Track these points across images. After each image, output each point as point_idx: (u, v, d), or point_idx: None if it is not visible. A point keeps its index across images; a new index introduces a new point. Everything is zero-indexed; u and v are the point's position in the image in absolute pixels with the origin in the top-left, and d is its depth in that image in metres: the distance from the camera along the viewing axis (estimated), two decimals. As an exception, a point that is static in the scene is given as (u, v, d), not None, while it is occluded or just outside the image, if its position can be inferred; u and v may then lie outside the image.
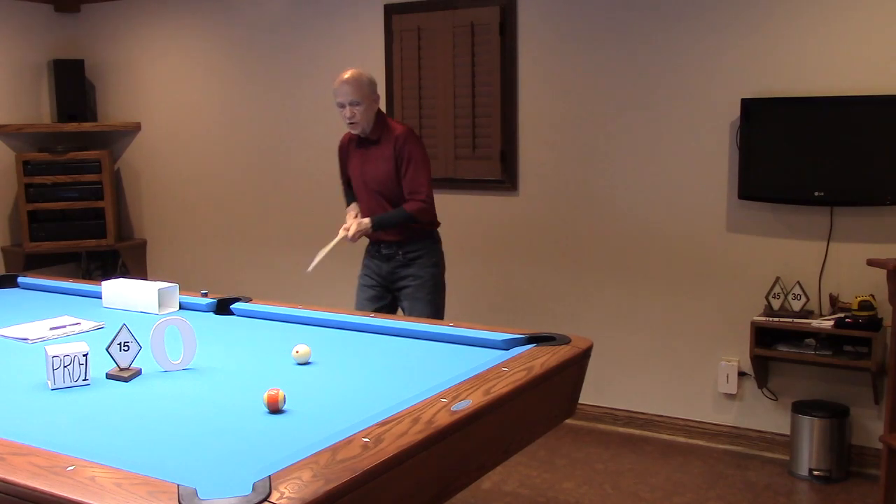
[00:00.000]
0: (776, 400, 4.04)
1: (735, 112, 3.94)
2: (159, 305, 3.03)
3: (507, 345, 2.50)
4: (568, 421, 2.66)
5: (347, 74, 3.64)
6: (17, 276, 3.62)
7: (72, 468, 1.57)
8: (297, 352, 2.40)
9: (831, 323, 3.67)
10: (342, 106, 3.63)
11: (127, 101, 5.84)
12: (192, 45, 5.57)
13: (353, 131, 3.71)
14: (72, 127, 5.68)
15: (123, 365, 2.27)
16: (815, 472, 3.78)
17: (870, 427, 3.84)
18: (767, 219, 3.98)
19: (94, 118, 5.91)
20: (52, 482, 1.52)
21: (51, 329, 2.74)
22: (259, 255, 5.44)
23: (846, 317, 3.66)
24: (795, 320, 3.76)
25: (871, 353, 3.60)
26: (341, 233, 3.62)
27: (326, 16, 5.02)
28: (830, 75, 3.77)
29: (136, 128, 5.82)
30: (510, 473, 3.82)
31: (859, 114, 3.66)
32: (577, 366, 2.41)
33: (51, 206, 5.55)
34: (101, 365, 2.27)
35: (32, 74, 5.77)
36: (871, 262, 3.43)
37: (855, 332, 3.60)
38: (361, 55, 4.82)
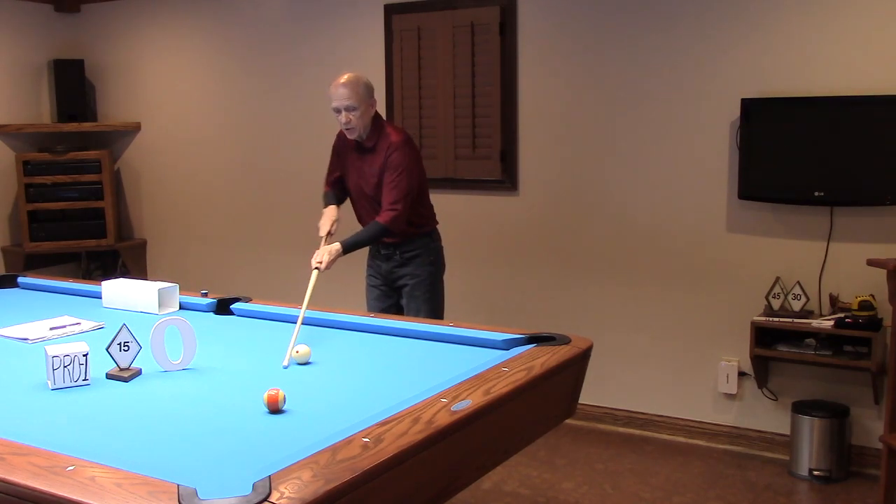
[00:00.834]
0: (776, 400, 4.04)
1: (735, 112, 3.94)
2: (159, 305, 3.03)
3: (507, 345, 2.50)
4: (568, 421, 2.66)
5: (343, 78, 3.54)
6: (17, 276, 3.63)
7: (72, 468, 1.57)
8: (297, 352, 2.40)
9: (831, 323, 3.67)
10: (338, 111, 3.53)
11: (127, 101, 5.84)
12: (192, 45, 5.57)
13: (349, 137, 3.61)
14: (72, 127, 5.68)
15: (123, 365, 2.27)
16: (815, 472, 3.78)
17: (870, 427, 3.83)
18: (767, 219, 3.98)
19: (94, 118, 5.91)
20: (52, 482, 1.52)
21: (51, 329, 2.74)
22: (259, 255, 5.44)
23: (846, 317, 3.66)
24: (795, 320, 3.76)
25: (871, 353, 3.60)
26: (314, 272, 3.27)
27: (326, 16, 5.02)
28: (830, 75, 3.77)
29: (136, 128, 5.82)
30: (510, 473, 3.82)
31: (859, 114, 3.66)
32: (577, 366, 2.41)
33: (51, 206, 5.55)
34: (101, 365, 2.27)
35: (32, 74, 5.77)
36: (871, 262, 3.43)
37: (855, 332, 3.60)
38: (361, 55, 4.82)
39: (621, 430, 4.41)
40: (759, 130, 3.86)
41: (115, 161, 5.89)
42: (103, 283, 3.20)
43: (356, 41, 4.91)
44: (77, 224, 5.62)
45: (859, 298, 3.64)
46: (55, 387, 2.16)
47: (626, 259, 4.33)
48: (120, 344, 2.27)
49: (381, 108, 4.76)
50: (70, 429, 1.89)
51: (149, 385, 2.22)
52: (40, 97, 5.83)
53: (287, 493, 1.45)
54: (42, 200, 5.53)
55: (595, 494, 3.67)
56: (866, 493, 3.65)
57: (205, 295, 3.12)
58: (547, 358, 2.30)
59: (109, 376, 2.26)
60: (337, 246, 3.43)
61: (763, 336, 3.84)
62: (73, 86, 5.70)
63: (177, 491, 1.46)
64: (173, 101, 5.68)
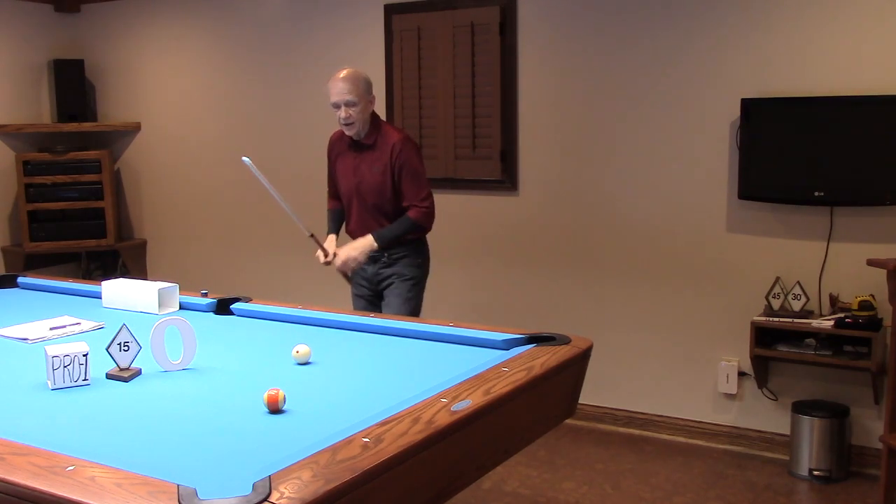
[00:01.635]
0: (776, 400, 4.04)
1: (735, 112, 3.94)
2: (159, 305, 3.03)
3: (507, 345, 2.50)
4: (568, 421, 2.66)
5: (343, 73, 3.52)
6: (17, 276, 3.62)
7: (72, 468, 1.57)
8: (297, 352, 2.40)
9: (831, 323, 3.67)
10: (337, 106, 3.50)
11: (127, 101, 5.84)
12: (192, 45, 5.57)
13: (348, 133, 3.59)
14: (72, 127, 5.68)
15: (123, 365, 2.27)
16: (815, 472, 3.78)
17: (870, 427, 3.83)
18: (767, 219, 3.98)
19: (94, 118, 5.91)
20: (52, 482, 1.52)
21: (51, 329, 2.74)
22: (259, 255, 5.44)
23: (846, 317, 3.66)
24: (795, 320, 3.76)
25: (871, 353, 3.60)
26: (337, 260, 3.48)
27: (326, 16, 5.02)
28: (830, 75, 3.77)
29: (136, 128, 5.82)
30: (510, 473, 3.82)
31: (859, 114, 3.66)
32: (577, 366, 2.41)
33: (51, 206, 5.55)
34: (101, 365, 2.27)
35: (32, 74, 5.77)
36: (871, 262, 3.43)
37: (855, 332, 3.60)
38: (361, 55, 4.82)
39: (621, 430, 4.41)
40: (759, 130, 3.86)
41: (115, 161, 5.90)
42: (103, 283, 3.20)
43: (356, 41, 4.91)
44: (77, 224, 5.62)
45: (859, 298, 3.64)
46: (55, 387, 2.16)
47: (626, 259, 4.33)
48: (120, 344, 2.26)
49: (381, 108, 4.78)
50: (70, 429, 1.89)
51: (149, 385, 2.22)
52: (40, 97, 5.83)
53: (287, 493, 1.45)
54: (42, 200, 5.53)
55: (595, 494, 3.66)
56: (866, 493, 3.65)
57: (205, 295, 3.12)
58: (547, 358, 2.30)
59: (109, 376, 2.25)
60: (369, 240, 3.43)
61: (763, 336, 3.84)
62: (73, 86, 5.70)
63: (177, 491, 1.46)
64: (173, 101, 5.68)
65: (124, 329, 2.28)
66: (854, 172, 3.68)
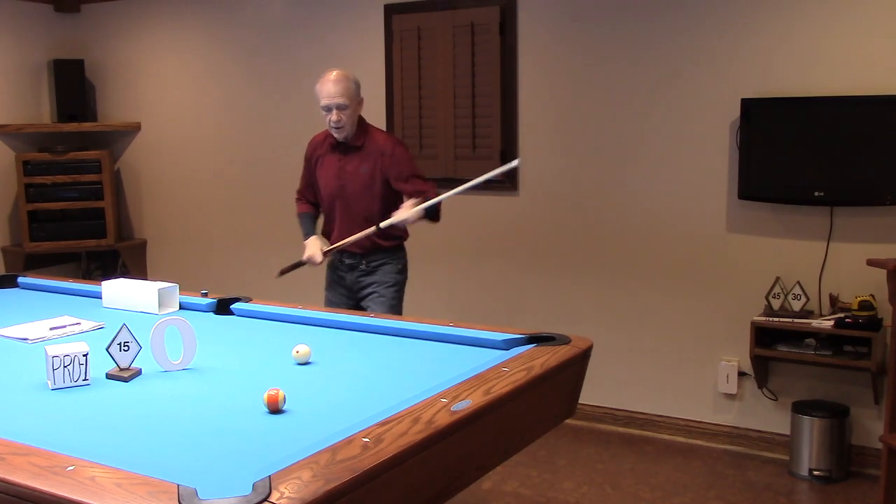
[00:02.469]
0: (776, 400, 4.04)
1: (735, 112, 3.94)
2: (159, 305, 3.03)
3: (507, 345, 2.50)
4: (568, 421, 2.65)
5: (333, 75, 3.46)
6: (17, 276, 3.62)
7: (72, 468, 1.57)
8: (297, 352, 2.40)
9: (831, 323, 3.67)
10: (328, 109, 3.44)
11: (127, 101, 5.84)
12: (192, 45, 5.57)
13: (338, 137, 3.53)
14: (72, 127, 5.68)
15: (123, 365, 2.27)
16: (815, 472, 3.78)
17: (870, 427, 3.83)
18: (767, 219, 3.98)
19: (94, 118, 5.91)
20: (52, 482, 1.52)
21: (51, 329, 2.74)
22: (259, 255, 5.44)
23: (846, 317, 3.66)
24: (795, 320, 3.76)
25: (871, 353, 3.60)
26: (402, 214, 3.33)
27: (326, 16, 5.02)
28: (830, 75, 3.77)
29: (136, 128, 5.82)
30: (510, 473, 3.82)
31: (859, 114, 3.66)
32: (577, 366, 2.41)
33: (51, 206, 5.55)
34: (101, 365, 2.27)
35: (32, 74, 5.77)
36: (871, 262, 3.43)
37: (855, 332, 3.60)
38: (361, 55, 4.82)
39: (621, 430, 4.41)
40: (759, 130, 3.86)
41: (115, 161, 5.89)
42: (103, 283, 3.20)
43: (356, 41, 4.91)
44: (77, 224, 5.62)
45: (859, 298, 3.64)
46: (55, 387, 2.16)
47: (626, 259, 4.33)
48: (120, 344, 2.26)
49: (381, 108, 4.79)
50: (70, 429, 1.89)
51: (149, 385, 2.22)
52: (40, 97, 5.83)
53: (287, 493, 1.45)
54: (42, 200, 5.53)
55: (595, 494, 3.66)
56: (866, 493, 3.65)
57: (205, 295, 3.12)
58: (547, 358, 2.30)
59: (109, 376, 2.25)
60: (413, 210, 3.35)
61: (763, 336, 3.84)
62: (73, 86, 5.70)
63: (177, 491, 1.46)
64: (173, 101, 5.68)
65: (124, 329, 2.28)
66: (854, 172, 3.68)
